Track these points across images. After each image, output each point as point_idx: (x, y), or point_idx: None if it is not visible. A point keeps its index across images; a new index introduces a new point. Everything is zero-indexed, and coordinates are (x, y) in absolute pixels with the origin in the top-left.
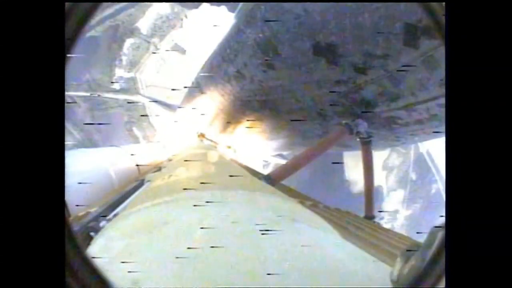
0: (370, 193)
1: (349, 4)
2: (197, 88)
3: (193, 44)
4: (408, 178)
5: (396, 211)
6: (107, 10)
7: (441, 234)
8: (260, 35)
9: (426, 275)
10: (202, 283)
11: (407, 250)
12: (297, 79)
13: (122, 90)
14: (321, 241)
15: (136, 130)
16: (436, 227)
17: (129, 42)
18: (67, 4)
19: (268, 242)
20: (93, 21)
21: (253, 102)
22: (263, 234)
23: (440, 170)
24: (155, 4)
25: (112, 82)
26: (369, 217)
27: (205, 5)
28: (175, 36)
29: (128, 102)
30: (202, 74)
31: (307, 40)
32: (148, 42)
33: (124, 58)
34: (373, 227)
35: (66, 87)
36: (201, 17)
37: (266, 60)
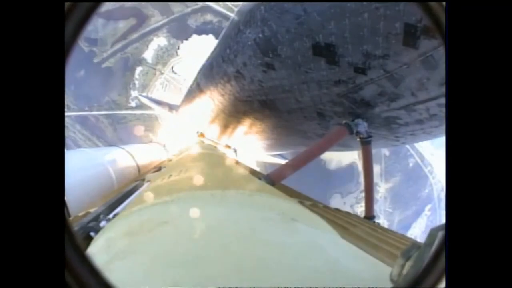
0: (370, 193)
1: (349, 4)
2: (197, 88)
3: (187, 68)
4: (381, 154)
5: (376, 184)
6: (116, 45)
7: (441, 234)
8: (260, 35)
9: (426, 275)
10: (202, 283)
11: (407, 250)
12: (297, 79)
13: (138, 107)
14: (321, 241)
15: (152, 136)
16: (436, 227)
17: (138, 69)
18: (67, 4)
19: (268, 242)
20: (106, 54)
21: (253, 102)
22: (263, 234)
23: (415, 145)
24: (155, 38)
25: (129, 102)
26: (369, 217)
27: (194, 36)
28: (174, 63)
29: (144, 115)
30: (202, 74)
31: (307, 40)
32: (154, 69)
33: (136, 82)
34: (373, 227)
35: (90, 108)
36: (192, 46)
37: (266, 60)
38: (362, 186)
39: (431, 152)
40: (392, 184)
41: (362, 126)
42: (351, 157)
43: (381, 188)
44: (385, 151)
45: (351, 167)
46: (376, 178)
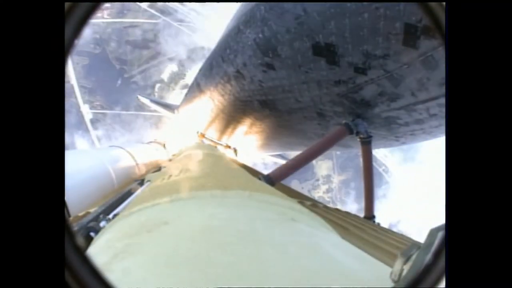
0: (370, 193)
1: (349, 4)
2: (197, 88)
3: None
4: (332, 152)
5: (329, 176)
6: (142, 66)
7: (441, 234)
8: (260, 35)
9: (426, 275)
10: (202, 283)
11: (407, 250)
12: (297, 79)
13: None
14: (321, 241)
15: (158, 134)
16: (436, 227)
17: (157, 86)
18: (67, 4)
19: (268, 242)
20: (133, 72)
21: (253, 102)
22: (263, 234)
23: None
24: (169, 64)
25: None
26: (369, 217)
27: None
28: (182, 83)
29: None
30: (201, 74)
31: (307, 40)
32: (169, 86)
33: (156, 94)
34: (373, 227)
35: (119, 109)
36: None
37: (266, 60)
38: (317, 175)
39: (385, 154)
40: (345, 176)
41: (362, 126)
42: None
43: (335, 179)
44: (336, 151)
45: None
46: (329, 171)
